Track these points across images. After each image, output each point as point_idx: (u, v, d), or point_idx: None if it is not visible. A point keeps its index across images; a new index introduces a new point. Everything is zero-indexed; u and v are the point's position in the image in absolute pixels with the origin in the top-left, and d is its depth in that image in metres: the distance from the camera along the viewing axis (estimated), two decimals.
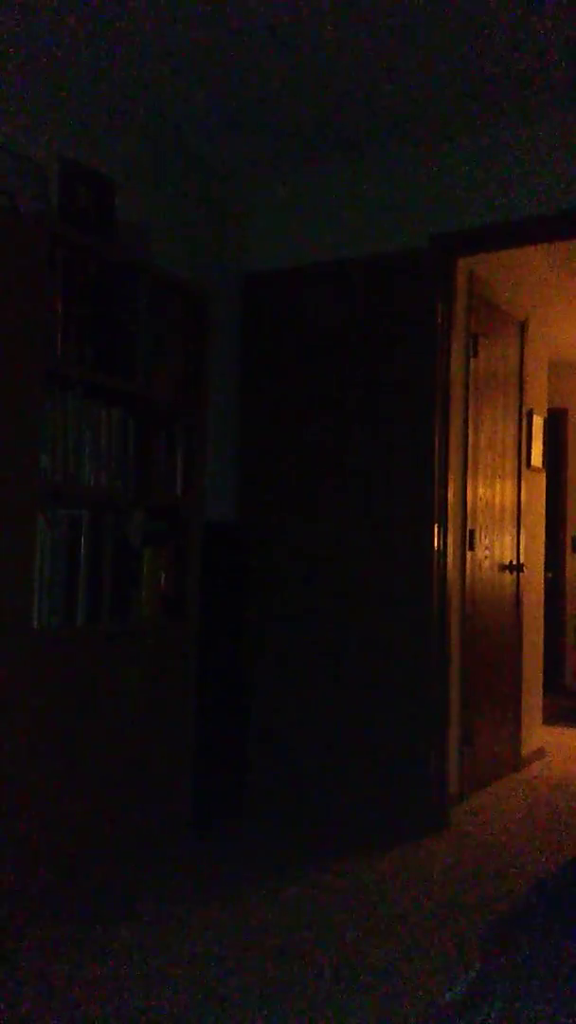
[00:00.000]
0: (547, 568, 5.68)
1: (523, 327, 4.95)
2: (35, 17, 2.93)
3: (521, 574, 4.90)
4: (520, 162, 3.66)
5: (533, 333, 5.10)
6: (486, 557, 4.50)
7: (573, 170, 3.56)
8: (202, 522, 3.42)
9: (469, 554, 4.28)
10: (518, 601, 4.91)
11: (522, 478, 4.93)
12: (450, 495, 3.86)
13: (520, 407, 4.95)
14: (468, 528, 4.26)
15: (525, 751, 4.98)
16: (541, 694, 5.33)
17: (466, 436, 4.24)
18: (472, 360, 4.31)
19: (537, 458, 5.15)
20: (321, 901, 3.02)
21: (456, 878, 3.25)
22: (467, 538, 4.25)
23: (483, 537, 4.45)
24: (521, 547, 4.91)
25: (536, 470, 5.19)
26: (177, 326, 3.33)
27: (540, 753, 5.22)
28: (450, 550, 3.87)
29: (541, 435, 5.22)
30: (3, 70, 3.15)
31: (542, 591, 5.40)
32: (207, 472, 3.58)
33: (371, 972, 2.51)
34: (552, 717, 5.87)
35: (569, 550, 7.53)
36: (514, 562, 4.83)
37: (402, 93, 3.41)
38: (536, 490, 5.24)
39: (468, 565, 4.27)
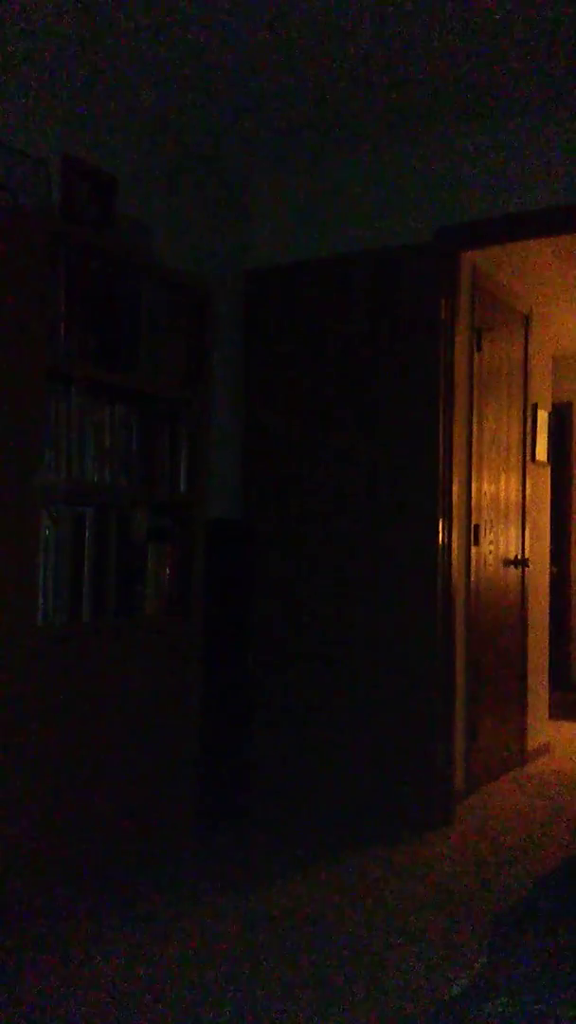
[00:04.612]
0: (552, 563, 5.67)
1: (527, 321, 4.94)
2: (36, 15, 2.93)
3: (526, 569, 4.89)
4: (525, 155, 3.65)
5: (537, 327, 5.09)
6: (491, 552, 4.49)
7: None
8: (206, 519, 3.42)
9: (474, 549, 4.27)
10: (523, 596, 4.90)
11: (527, 472, 4.92)
12: (454, 490, 3.86)
13: (525, 401, 4.94)
14: (473, 523, 4.25)
15: (530, 746, 4.98)
16: (547, 689, 5.33)
17: (470, 431, 4.23)
18: (476, 354, 4.30)
19: (542, 452, 5.14)
20: (326, 896, 3.02)
21: (461, 873, 3.25)
22: (472, 533, 4.25)
23: (488, 532, 4.45)
24: (526, 542, 4.90)
25: (541, 464, 5.18)
26: (180, 322, 3.33)
27: (545, 748, 5.22)
28: (455, 545, 3.86)
29: (546, 429, 5.21)
30: (5, 68, 3.14)
31: (547, 586, 5.39)
32: (211, 469, 3.58)
33: (377, 967, 2.51)
34: (558, 712, 5.86)
35: (575, 545, 7.51)
36: (519, 557, 4.82)
37: (405, 86, 3.40)
38: (541, 484, 5.23)
39: (473, 560, 4.27)
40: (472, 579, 4.26)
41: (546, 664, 5.32)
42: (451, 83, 3.37)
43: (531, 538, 4.98)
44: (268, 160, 4.05)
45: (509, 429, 4.73)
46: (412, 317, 3.80)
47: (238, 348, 4.16)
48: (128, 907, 2.86)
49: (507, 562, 4.69)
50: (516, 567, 4.80)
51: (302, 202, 4.14)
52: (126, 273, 3.11)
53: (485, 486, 4.41)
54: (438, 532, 3.75)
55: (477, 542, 4.31)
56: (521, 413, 4.90)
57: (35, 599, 2.75)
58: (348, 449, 3.91)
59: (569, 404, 7.41)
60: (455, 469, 3.87)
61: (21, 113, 3.20)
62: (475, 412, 4.28)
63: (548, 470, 5.38)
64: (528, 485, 4.93)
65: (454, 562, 3.85)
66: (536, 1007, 1.11)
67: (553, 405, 5.55)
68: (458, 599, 3.99)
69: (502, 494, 4.63)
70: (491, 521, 4.49)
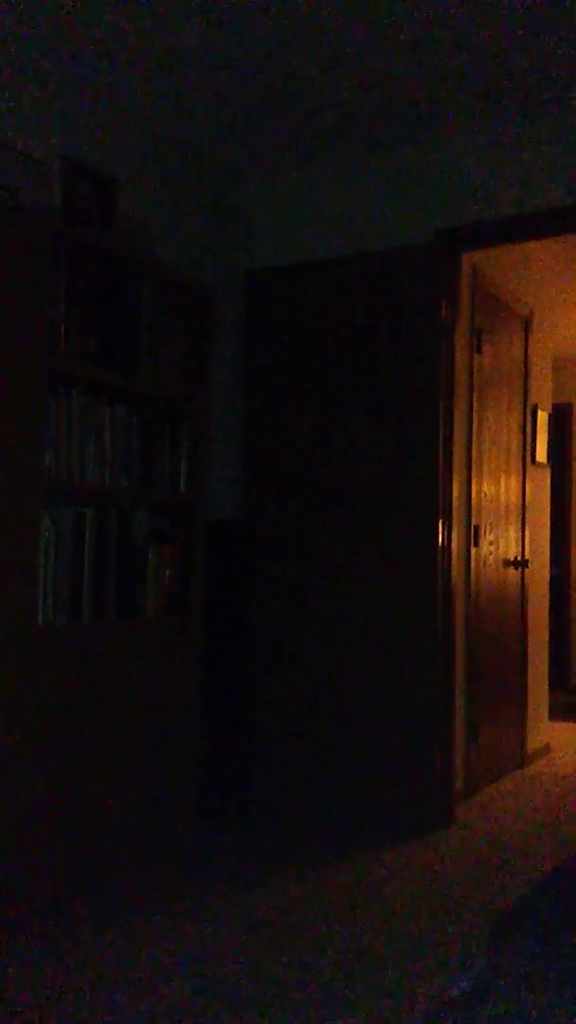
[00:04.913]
0: (552, 564, 5.67)
1: (528, 322, 4.94)
2: (37, 16, 2.93)
3: (526, 570, 4.89)
4: (525, 156, 3.65)
5: (538, 328, 5.09)
6: (491, 553, 4.49)
7: None
8: (206, 519, 3.42)
9: (474, 550, 4.27)
10: (523, 597, 4.90)
11: (527, 474, 4.92)
12: (455, 491, 3.86)
13: (525, 403, 4.94)
14: (473, 524, 4.26)
15: (530, 747, 4.98)
16: (547, 690, 5.33)
17: (471, 432, 4.24)
18: (476, 356, 4.30)
19: (542, 454, 5.14)
20: (327, 896, 3.02)
21: (461, 874, 3.25)
22: (472, 534, 4.25)
23: (488, 533, 4.45)
24: (526, 543, 4.90)
25: (541, 466, 5.18)
26: (180, 323, 3.33)
27: (546, 749, 5.22)
28: (455, 546, 3.86)
29: (546, 431, 5.21)
30: (5, 68, 3.14)
31: (547, 587, 5.39)
32: (211, 469, 3.58)
33: (376, 967, 2.51)
34: (558, 713, 5.86)
35: (575, 546, 7.51)
36: (519, 558, 4.82)
37: (406, 87, 3.40)
38: (541, 486, 5.23)
39: (473, 561, 4.27)
40: (472, 580, 4.26)
41: (546, 665, 5.32)
42: (451, 84, 3.37)
43: (531, 539, 4.98)
44: (268, 161, 4.05)
45: (509, 430, 4.73)
46: (412, 318, 3.80)
47: (239, 348, 4.17)
48: (128, 907, 2.86)
49: (507, 563, 4.69)
50: (516, 568, 4.80)
51: (302, 203, 4.14)
52: (127, 273, 3.12)
53: (485, 487, 4.41)
54: (438, 533, 3.75)
55: (477, 543, 4.31)
56: (521, 414, 4.90)
57: (35, 599, 2.75)
58: (348, 450, 3.91)
59: (569, 405, 7.42)
60: (455, 470, 3.87)
61: (22, 114, 3.20)
62: (475, 413, 4.28)
63: (548, 471, 5.38)
64: (528, 486, 4.93)
65: (454, 563, 3.85)
66: (536, 1010, 1.11)
67: (553, 406, 5.55)
68: (458, 600, 3.99)
69: (502, 495, 4.63)
70: (491, 522, 4.49)
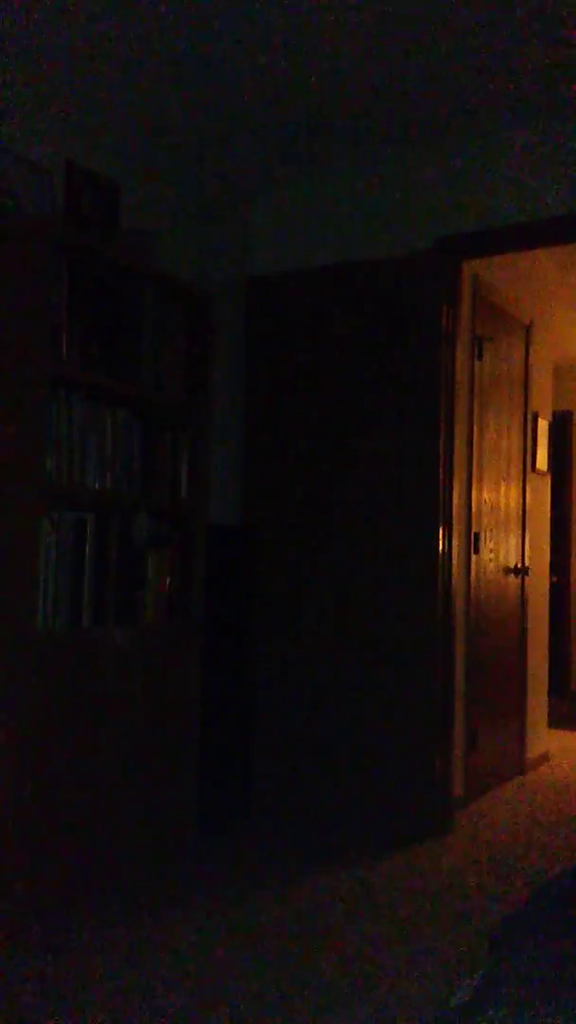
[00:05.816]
0: (552, 572, 5.67)
1: (528, 330, 4.95)
2: (38, 20, 2.94)
3: (526, 578, 4.89)
4: (526, 165, 3.66)
5: (538, 336, 5.10)
6: (491, 560, 4.49)
7: None
8: (206, 524, 3.42)
9: (474, 557, 4.27)
10: (523, 604, 4.90)
11: (527, 481, 4.93)
12: (455, 498, 3.86)
13: (525, 410, 4.95)
14: (473, 531, 4.26)
15: (530, 755, 4.97)
16: (546, 698, 5.32)
17: (471, 439, 4.24)
18: (477, 363, 4.31)
19: (542, 461, 5.14)
20: (326, 904, 3.01)
21: (460, 881, 3.25)
22: (472, 541, 4.25)
23: (488, 540, 4.45)
24: (526, 550, 4.90)
25: (541, 473, 5.18)
26: (181, 329, 3.34)
27: (545, 757, 5.21)
28: (455, 553, 3.86)
29: (546, 438, 5.22)
30: (7, 74, 3.15)
31: (547, 595, 5.39)
32: (211, 474, 3.58)
33: (376, 975, 2.51)
34: (557, 721, 5.85)
35: (575, 554, 7.51)
36: (519, 565, 4.82)
37: (406, 96, 3.41)
38: (541, 493, 5.23)
39: (473, 568, 4.27)
40: (472, 587, 4.25)
41: (545, 673, 5.32)
42: (452, 93, 3.38)
43: (531, 547, 4.98)
44: (269, 169, 4.05)
45: (509, 438, 4.73)
46: (413, 325, 3.81)
47: (239, 355, 4.17)
48: (127, 912, 2.86)
49: (507, 571, 4.69)
50: (516, 575, 4.80)
51: (303, 210, 4.14)
52: (128, 280, 3.12)
53: (485, 494, 4.42)
54: (438, 540, 3.75)
55: (477, 550, 4.31)
56: (521, 422, 4.90)
57: (35, 604, 2.75)
58: (348, 457, 3.91)
59: (569, 413, 7.42)
60: (455, 477, 3.87)
61: (24, 120, 3.21)
62: (476, 420, 4.28)
63: (548, 479, 5.38)
64: (528, 494, 4.94)
65: (454, 570, 3.85)
66: (536, 1018, 1.11)
67: (553, 414, 5.55)
68: (458, 607, 3.98)
69: (502, 502, 4.63)
70: (491, 530, 4.49)
